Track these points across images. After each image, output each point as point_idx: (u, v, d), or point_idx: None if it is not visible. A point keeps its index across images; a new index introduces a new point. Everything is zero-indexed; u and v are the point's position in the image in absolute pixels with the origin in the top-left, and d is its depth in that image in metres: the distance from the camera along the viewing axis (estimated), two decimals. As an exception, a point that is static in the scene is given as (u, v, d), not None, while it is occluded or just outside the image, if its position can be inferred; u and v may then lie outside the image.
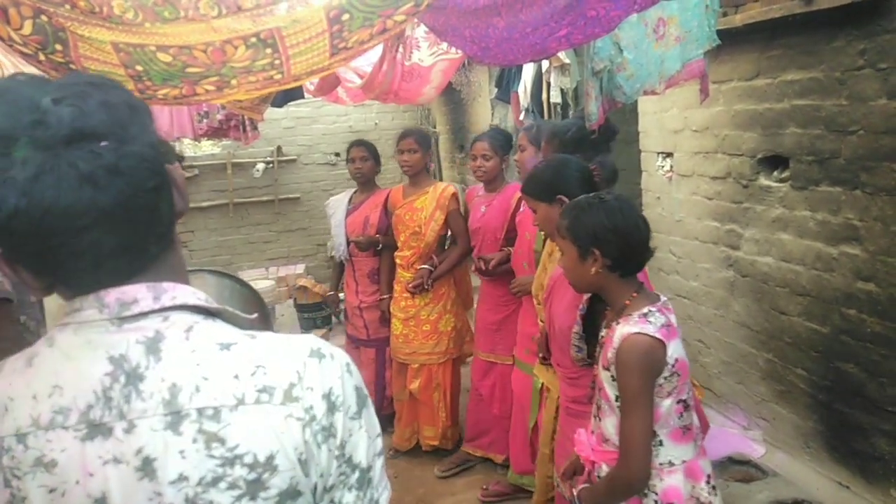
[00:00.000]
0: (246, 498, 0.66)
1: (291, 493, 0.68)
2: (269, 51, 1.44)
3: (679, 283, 3.64)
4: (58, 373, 0.67)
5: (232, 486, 0.66)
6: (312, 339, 0.74)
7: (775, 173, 2.91)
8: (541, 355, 2.48)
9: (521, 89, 4.09)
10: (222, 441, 0.66)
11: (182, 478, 0.65)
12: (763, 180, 2.96)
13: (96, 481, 0.65)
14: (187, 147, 6.95)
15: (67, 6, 1.26)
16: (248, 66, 1.45)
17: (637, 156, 3.95)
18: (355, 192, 3.97)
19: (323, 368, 0.72)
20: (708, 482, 1.59)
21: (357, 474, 0.73)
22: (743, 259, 3.11)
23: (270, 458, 0.67)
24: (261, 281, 6.14)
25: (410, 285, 3.50)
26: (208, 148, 7.08)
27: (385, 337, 3.79)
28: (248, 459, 0.67)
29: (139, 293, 0.69)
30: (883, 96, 2.33)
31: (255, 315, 0.80)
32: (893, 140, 2.29)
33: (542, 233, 2.70)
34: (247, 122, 5.66)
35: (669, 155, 3.62)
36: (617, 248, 1.57)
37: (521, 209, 3.05)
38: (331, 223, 4.00)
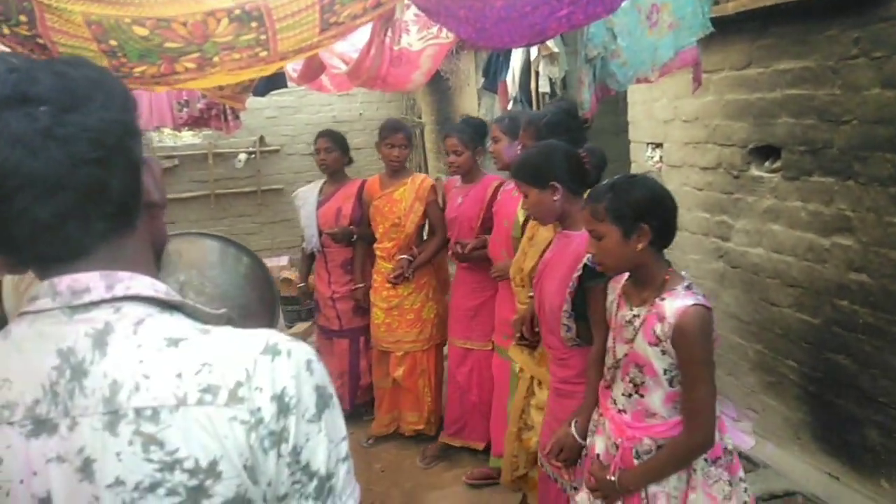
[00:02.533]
0: None
1: (239, 501, 0.64)
2: (254, 24, 1.36)
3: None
4: (8, 366, 0.65)
5: (171, 493, 0.61)
6: (271, 334, 0.69)
7: (767, 163, 2.88)
8: (517, 335, 2.51)
9: (508, 78, 4.03)
10: (161, 444, 0.62)
11: (119, 482, 0.61)
12: (754, 171, 2.93)
13: (40, 480, 0.62)
14: (167, 137, 6.81)
15: (32, -27, 1.17)
16: (231, 41, 1.37)
17: (626, 146, 3.91)
18: (325, 183, 3.96)
19: (276, 367, 0.66)
20: (727, 432, 1.75)
21: (315, 482, 0.67)
22: (733, 250, 3.09)
23: (213, 463, 0.63)
24: (243, 273, 6.03)
25: (392, 276, 3.54)
26: (189, 138, 6.93)
27: (358, 327, 3.84)
28: (188, 465, 0.62)
29: (92, 281, 0.65)
30: (877, 85, 2.30)
31: (223, 310, 0.74)
32: (887, 130, 2.27)
33: (521, 220, 2.70)
34: (228, 112, 5.53)
35: (659, 145, 3.59)
36: (661, 219, 1.64)
37: (498, 198, 3.10)
38: (300, 214, 3.98)
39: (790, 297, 2.78)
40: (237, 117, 5.66)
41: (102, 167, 0.64)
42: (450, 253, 3.41)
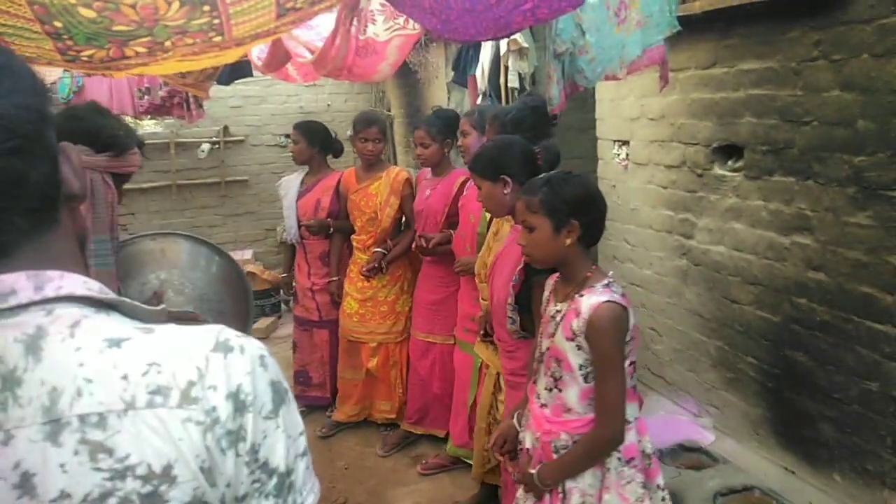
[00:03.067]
0: None
1: None
2: (206, 7, 1.30)
3: (632, 271, 3.65)
4: None
5: (124, 502, 0.57)
6: (220, 331, 0.66)
7: (730, 163, 2.92)
8: (481, 332, 2.56)
9: (478, 73, 4.01)
10: (110, 451, 0.58)
11: (64, 495, 0.57)
12: (717, 170, 2.96)
13: None
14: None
15: (-32, -53, 1.10)
16: (183, 24, 1.31)
17: (593, 143, 3.93)
18: (307, 174, 3.95)
19: (229, 364, 0.63)
20: (647, 435, 1.78)
21: (275, 480, 0.65)
22: (696, 248, 3.13)
23: (168, 468, 0.59)
24: (206, 266, 5.91)
25: (365, 269, 3.56)
26: (150, 126, 6.75)
27: (336, 318, 3.84)
28: (140, 471, 0.58)
29: (17, 282, 0.59)
30: (836, 87, 2.34)
31: (162, 307, 0.70)
32: (846, 131, 2.31)
33: (487, 216, 2.73)
34: (191, 100, 5.39)
35: (626, 143, 3.61)
36: (591, 217, 1.70)
37: (465, 193, 3.11)
38: (283, 205, 3.97)
39: (751, 294, 2.83)
40: (200, 106, 5.52)
41: (19, 157, 0.59)
42: (413, 246, 3.40)
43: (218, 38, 1.38)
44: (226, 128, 6.95)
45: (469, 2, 1.55)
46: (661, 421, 3.18)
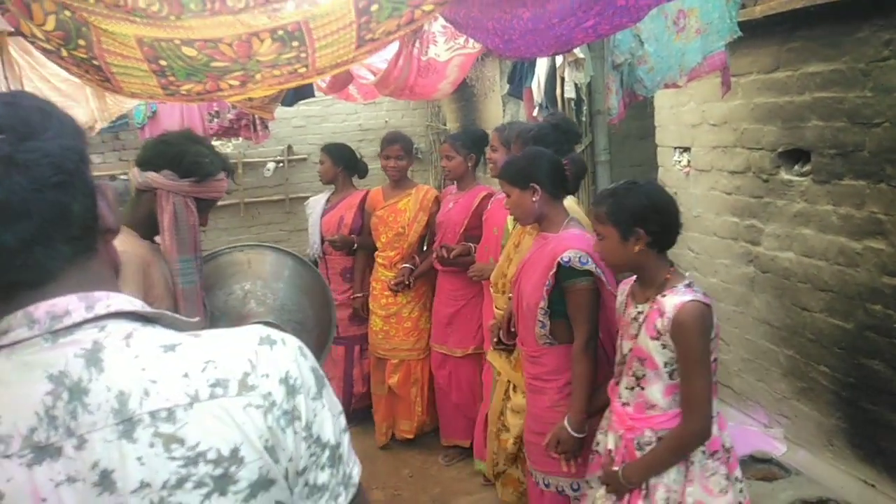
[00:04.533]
0: (216, 495, 0.65)
1: (263, 483, 0.67)
2: (295, 44, 1.41)
3: (697, 279, 3.58)
4: None
5: (199, 485, 0.64)
6: (260, 328, 0.74)
7: (796, 167, 2.86)
8: (494, 340, 2.63)
9: (534, 84, 4.04)
10: (181, 441, 0.65)
11: (144, 484, 0.63)
12: (784, 174, 2.91)
13: None
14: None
15: (91, 0, 1.24)
16: (273, 59, 1.43)
17: (652, 150, 3.91)
18: (332, 193, 4.10)
19: (275, 354, 0.71)
20: (726, 429, 1.82)
21: (328, 452, 0.73)
22: (763, 255, 3.07)
23: (235, 450, 0.66)
24: (272, 280, 6.14)
25: (393, 283, 3.63)
26: (219, 147, 7.07)
27: (354, 335, 3.92)
28: (211, 455, 0.65)
29: (70, 304, 0.66)
30: (909, 87, 2.28)
31: (197, 318, 0.79)
32: (920, 132, 2.25)
33: (511, 228, 2.86)
34: (257, 121, 5.64)
35: (686, 149, 3.58)
36: (658, 224, 1.75)
37: (489, 207, 3.24)
38: (309, 221, 4.14)
39: (822, 301, 2.76)
40: (266, 127, 5.77)
41: (64, 191, 0.66)
42: (434, 256, 3.48)
43: (303, 70, 1.49)
44: (289, 147, 7.21)
45: (531, 21, 1.61)
46: (730, 431, 3.12)
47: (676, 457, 1.73)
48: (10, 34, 1.38)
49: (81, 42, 1.32)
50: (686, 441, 1.72)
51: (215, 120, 5.81)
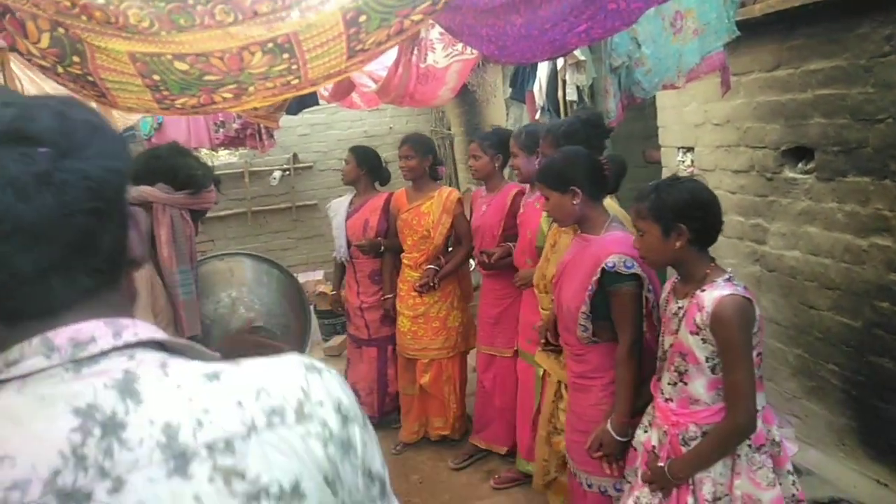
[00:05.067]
0: None
1: None
2: (286, 56, 1.43)
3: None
4: (3, 442, 0.54)
5: None
6: (298, 356, 0.69)
7: (800, 165, 2.85)
8: (542, 341, 2.60)
9: (536, 88, 4.05)
10: (242, 474, 0.58)
11: None
12: (788, 172, 2.89)
13: None
14: (205, 157, 7.01)
15: (84, 17, 1.26)
16: (265, 72, 1.44)
17: (656, 151, 3.89)
18: (355, 195, 4.07)
19: (325, 382, 0.67)
20: (774, 424, 1.81)
21: (378, 486, 0.69)
22: (769, 253, 3.05)
23: (296, 485, 0.60)
24: (280, 288, 6.15)
25: (418, 285, 3.63)
26: (225, 157, 7.13)
27: (385, 336, 3.92)
28: (273, 490, 0.59)
29: (96, 330, 0.59)
30: (911, 82, 2.26)
31: (217, 354, 0.72)
32: (924, 127, 2.23)
33: (545, 229, 2.76)
34: (263, 131, 5.68)
35: (690, 149, 3.56)
36: (700, 221, 1.75)
37: (522, 209, 3.18)
38: (332, 225, 4.10)
39: (829, 299, 2.73)
40: (271, 136, 5.80)
41: (96, 219, 0.60)
42: (475, 262, 3.47)
43: (295, 81, 1.51)
44: (295, 155, 7.25)
45: (525, 28, 1.62)
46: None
47: (722, 451, 1.73)
48: (10, 52, 1.40)
49: (76, 59, 1.34)
50: (731, 435, 1.71)
51: (221, 130, 5.85)
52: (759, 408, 1.72)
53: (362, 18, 1.42)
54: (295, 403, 0.64)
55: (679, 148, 3.66)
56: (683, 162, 3.63)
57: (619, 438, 2.04)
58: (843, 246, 2.62)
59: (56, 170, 0.57)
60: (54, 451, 0.54)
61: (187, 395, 0.60)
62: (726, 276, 1.74)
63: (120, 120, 3.71)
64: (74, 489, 0.54)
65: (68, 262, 0.59)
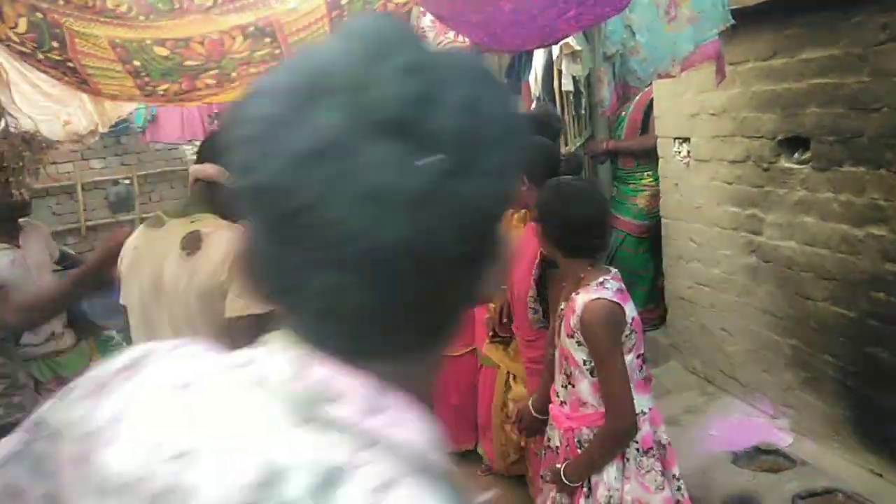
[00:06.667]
0: None
1: None
2: (267, 40, 1.40)
3: (699, 271, 3.56)
4: (196, 431, 0.46)
5: None
6: None
7: (796, 155, 2.83)
8: (490, 333, 2.72)
9: (531, 78, 4.03)
10: None
11: None
12: (784, 163, 2.87)
13: None
14: (200, 150, 6.98)
15: (61, 1, 1.24)
16: (247, 56, 1.42)
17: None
18: None
19: None
20: (662, 425, 1.82)
21: None
22: (765, 244, 3.04)
23: None
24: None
25: None
26: (221, 150, 7.10)
27: None
28: None
29: (352, 391, 0.45)
30: (908, 70, 2.24)
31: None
32: (920, 115, 2.21)
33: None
34: (258, 123, 5.64)
35: (686, 140, 3.54)
36: (556, 230, 1.77)
37: None
38: None
39: (825, 290, 2.72)
40: (266, 128, 5.76)
41: (450, 264, 0.45)
42: None
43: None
44: (291, 147, 7.21)
45: (513, 13, 1.59)
46: (736, 423, 3.10)
47: (607, 455, 1.73)
48: (-7, 40, 1.38)
49: (55, 44, 1.32)
50: (611, 439, 1.72)
51: (216, 122, 5.83)
52: (645, 409, 1.73)
53: (344, 0, 1.40)
54: None
55: (675, 139, 3.63)
56: (679, 153, 3.61)
57: (536, 416, 2.09)
58: (839, 236, 2.61)
59: (438, 191, 0.42)
60: (223, 486, 0.43)
61: None
62: (600, 279, 1.73)
63: (112, 111, 3.68)
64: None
65: (396, 308, 0.45)
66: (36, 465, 0.52)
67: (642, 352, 1.77)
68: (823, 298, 2.73)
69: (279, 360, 0.46)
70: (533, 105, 4.02)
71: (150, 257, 1.72)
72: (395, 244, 0.41)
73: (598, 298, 1.68)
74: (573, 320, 1.72)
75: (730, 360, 3.40)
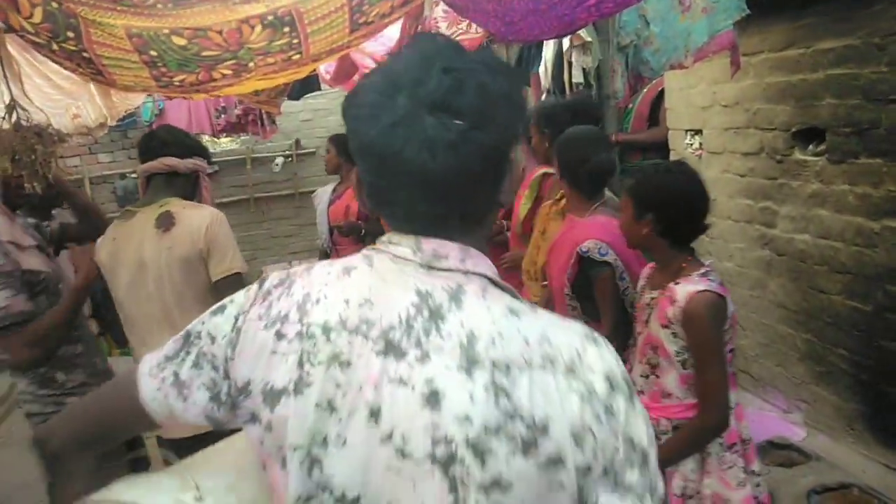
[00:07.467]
0: (519, 453, 0.69)
1: (556, 460, 0.70)
2: (286, 29, 1.38)
3: (713, 264, 3.53)
4: (372, 289, 0.75)
5: (510, 439, 0.69)
6: (585, 326, 0.78)
7: (811, 147, 2.80)
8: None
9: (541, 70, 4.00)
10: (508, 395, 0.70)
11: (467, 418, 0.69)
12: (798, 154, 2.84)
13: (377, 394, 0.71)
14: (206, 143, 6.97)
15: (77, -10, 1.22)
16: (265, 46, 1.40)
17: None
18: (339, 183, 4.07)
19: (601, 352, 0.76)
20: (744, 420, 1.78)
21: (639, 455, 0.74)
22: (779, 237, 3.01)
23: (546, 424, 0.70)
24: (284, 275, 6.18)
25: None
26: (227, 144, 7.08)
27: None
28: (527, 418, 0.69)
29: (452, 252, 0.75)
30: (927, 61, 2.21)
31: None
32: (939, 106, 2.18)
33: (522, 216, 2.86)
34: (264, 117, 5.63)
35: (698, 132, 3.51)
36: (668, 216, 1.70)
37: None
38: (317, 213, 4.13)
39: (839, 283, 2.69)
40: (273, 122, 5.75)
41: (480, 180, 0.74)
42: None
43: (297, 56, 1.46)
44: (297, 141, 7.19)
45: (532, 2, 1.57)
46: (748, 417, 3.08)
47: (692, 449, 1.70)
48: (6, 31, 1.36)
49: (70, 34, 1.30)
50: (702, 433, 1.68)
51: (222, 115, 5.81)
52: (731, 405, 1.69)
53: (364, -12, 1.37)
54: (567, 359, 0.74)
55: (687, 130, 3.60)
56: (692, 145, 3.58)
57: None
58: (855, 229, 2.58)
59: (463, 141, 0.70)
60: (397, 312, 0.74)
61: (492, 317, 0.73)
62: (702, 271, 1.69)
63: (121, 104, 3.67)
64: (397, 345, 0.73)
65: (447, 211, 0.74)
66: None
67: (733, 347, 1.73)
68: (838, 292, 2.71)
69: (399, 247, 0.77)
70: (543, 96, 3.98)
71: (128, 244, 1.92)
72: (445, 170, 0.71)
73: (705, 290, 1.63)
74: (671, 311, 1.67)
75: (743, 353, 3.38)
